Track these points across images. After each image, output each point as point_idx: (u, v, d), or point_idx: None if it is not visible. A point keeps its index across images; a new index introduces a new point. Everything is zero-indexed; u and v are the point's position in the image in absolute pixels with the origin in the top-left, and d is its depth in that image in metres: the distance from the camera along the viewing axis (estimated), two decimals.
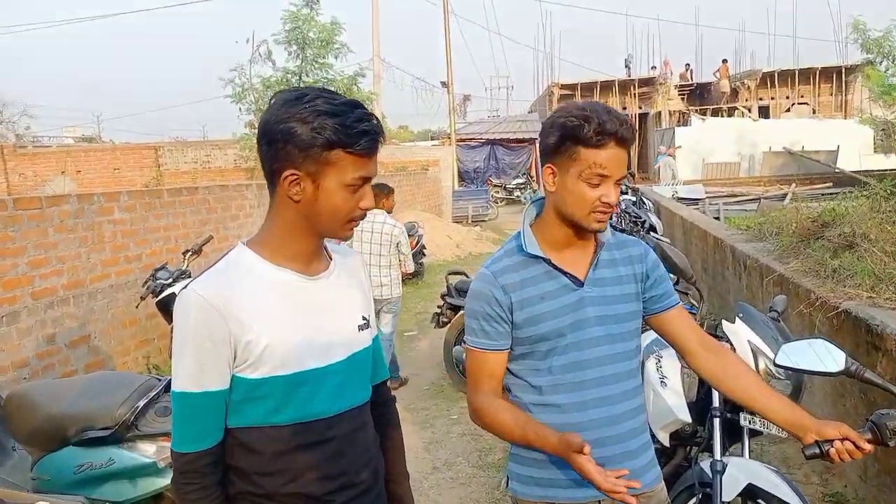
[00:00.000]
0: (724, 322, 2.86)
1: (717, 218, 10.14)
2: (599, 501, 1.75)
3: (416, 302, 8.85)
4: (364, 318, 1.58)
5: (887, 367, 2.96)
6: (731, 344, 2.76)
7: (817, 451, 1.66)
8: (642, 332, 3.30)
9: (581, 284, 1.74)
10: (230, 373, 1.39)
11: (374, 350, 1.63)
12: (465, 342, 1.88)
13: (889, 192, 5.13)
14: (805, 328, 3.90)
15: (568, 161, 1.65)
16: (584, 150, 1.62)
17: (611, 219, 1.86)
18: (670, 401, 2.83)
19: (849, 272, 3.80)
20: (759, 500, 2.56)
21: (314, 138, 1.35)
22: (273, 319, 1.40)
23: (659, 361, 2.96)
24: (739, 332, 2.75)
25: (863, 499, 3.36)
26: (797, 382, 2.72)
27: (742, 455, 2.75)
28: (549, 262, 1.74)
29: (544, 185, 1.74)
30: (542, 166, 1.74)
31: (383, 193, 5.63)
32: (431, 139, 30.78)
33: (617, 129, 1.59)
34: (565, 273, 1.74)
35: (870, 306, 3.34)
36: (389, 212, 5.74)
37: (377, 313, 6.32)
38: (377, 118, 1.44)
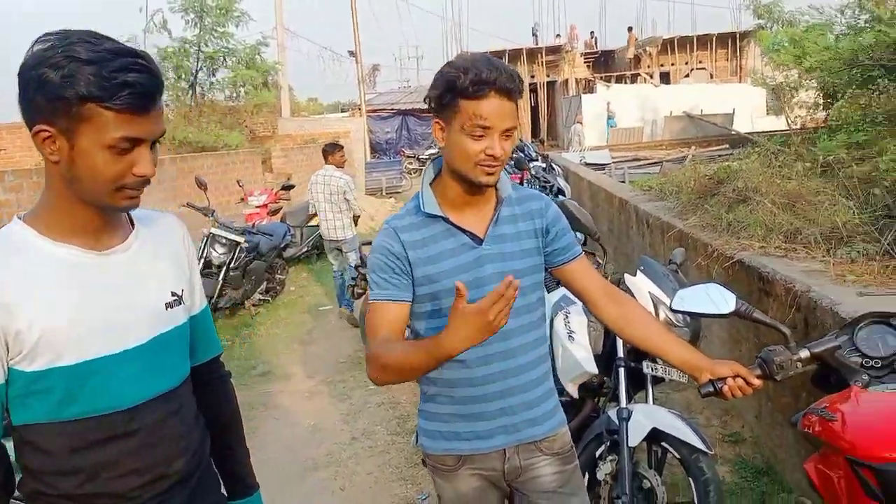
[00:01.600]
0: (626, 275, 2.95)
1: (623, 181, 10.46)
2: (504, 451, 1.79)
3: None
4: (175, 295, 1.40)
5: (777, 311, 3.13)
6: (634, 296, 2.85)
7: (712, 389, 1.73)
8: (552, 290, 3.40)
9: (480, 242, 1.74)
10: (5, 366, 1.23)
11: (196, 326, 1.50)
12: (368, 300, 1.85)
13: (777, 149, 5.41)
14: (704, 279, 4.07)
15: (451, 114, 1.62)
16: (463, 102, 1.59)
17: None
18: (577, 354, 2.90)
19: (742, 224, 3.99)
20: (663, 443, 2.67)
21: (63, 88, 1.14)
22: (49, 304, 1.22)
23: (567, 317, 3.02)
24: (641, 284, 2.84)
25: (757, 436, 3.58)
26: (695, 329, 2.84)
27: (647, 402, 2.86)
28: (447, 220, 1.73)
29: (436, 142, 1.71)
30: (432, 122, 1.72)
31: (332, 151, 6.77)
32: (342, 111, 30.26)
33: (496, 78, 1.56)
34: (465, 231, 1.73)
35: (761, 255, 3.52)
36: (339, 166, 6.82)
37: (339, 252, 6.74)
38: (154, 69, 1.22)
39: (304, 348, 6.19)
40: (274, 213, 8.82)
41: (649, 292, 2.80)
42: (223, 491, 1.60)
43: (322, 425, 4.44)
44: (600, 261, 3.28)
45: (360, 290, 5.75)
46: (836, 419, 1.51)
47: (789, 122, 7.56)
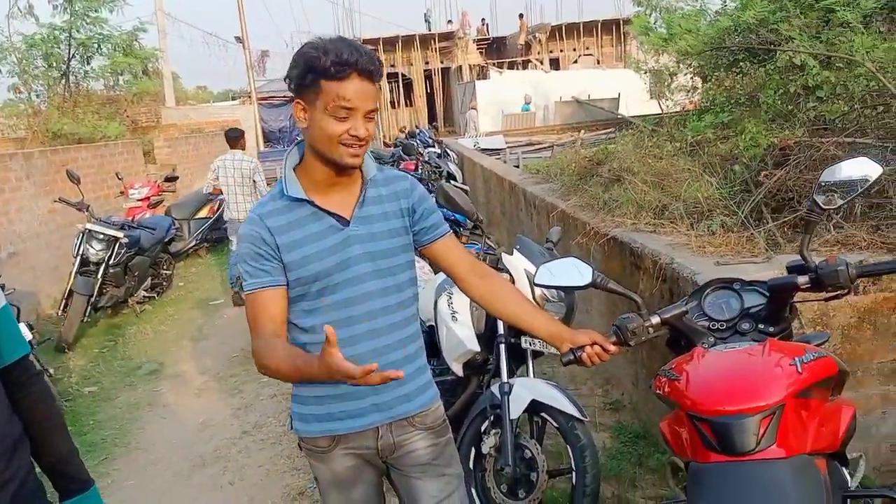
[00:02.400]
0: (503, 254, 3.03)
1: (517, 166, 10.68)
2: (378, 428, 1.81)
3: (223, 269, 8.46)
4: None
5: (647, 283, 3.31)
6: (511, 275, 2.95)
7: (572, 357, 1.82)
8: (436, 273, 3.44)
9: (347, 223, 1.75)
10: None
11: None
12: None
13: (651, 130, 5.68)
14: (583, 256, 4.24)
15: (313, 95, 1.62)
16: (325, 83, 1.60)
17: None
18: (461, 333, 2.97)
19: (617, 203, 4.18)
20: (543, 413, 2.78)
21: None
22: None
23: (450, 298, 3.08)
24: (517, 262, 2.93)
25: (636, 403, 3.79)
26: (570, 304, 2.97)
27: (528, 376, 2.97)
28: (313, 203, 1.72)
29: (298, 123, 1.70)
30: (293, 102, 1.70)
31: (238, 136, 7.03)
32: (233, 99, 29.24)
33: (357, 59, 1.58)
34: (330, 213, 1.74)
35: (632, 231, 3.71)
36: (243, 150, 7.06)
37: None
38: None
39: (193, 344, 5.99)
40: (155, 205, 8.44)
41: (525, 270, 2.90)
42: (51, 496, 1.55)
43: (212, 421, 4.32)
44: (491, 243, 3.35)
45: None
46: (680, 378, 1.62)
47: (662, 106, 7.93)
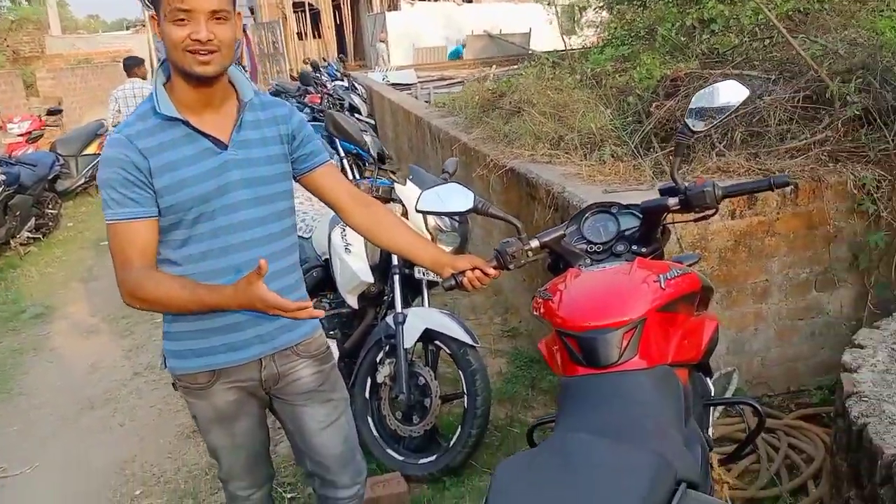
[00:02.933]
0: (395, 185, 2.99)
1: (429, 101, 10.52)
2: (260, 360, 1.77)
3: None
4: None
5: (541, 213, 3.36)
6: (404, 205, 2.91)
7: (453, 282, 1.83)
8: None
9: (225, 147, 1.65)
10: None
11: None
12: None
13: (553, 62, 5.69)
14: (484, 189, 4.26)
15: (158, 3, 1.53)
16: None
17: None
18: (354, 266, 2.93)
19: (516, 134, 4.19)
20: (436, 342, 2.82)
21: None
22: None
23: (343, 230, 3.02)
24: (409, 193, 2.89)
25: (531, 329, 3.89)
26: (463, 233, 2.97)
27: (423, 306, 2.98)
28: (187, 124, 1.61)
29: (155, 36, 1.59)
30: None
31: (137, 65, 6.97)
32: (127, 28, 27.35)
33: None
34: (207, 136, 1.63)
35: (529, 162, 3.73)
36: (143, 78, 6.96)
37: None
38: None
39: (83, 286, 5.70)
40: (36, 139, 7.85)
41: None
42: None
43: (101, 364, 4.15)
44: (394, 177, 3.30)
45: None
46: (553, 298, 1.65)
47: (566, 41, 7.95)
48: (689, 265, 1.79)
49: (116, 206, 1.59)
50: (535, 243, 1.83)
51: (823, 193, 2.92)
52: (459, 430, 2.76)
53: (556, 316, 1.59)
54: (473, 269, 1.81)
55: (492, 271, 1.82)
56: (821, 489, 2.47)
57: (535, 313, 1.76)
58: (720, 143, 3.25)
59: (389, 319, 2.85)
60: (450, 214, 2.00)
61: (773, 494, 2.51)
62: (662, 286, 1.54)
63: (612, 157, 3.44)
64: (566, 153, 3.66)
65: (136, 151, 1.57)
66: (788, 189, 2.88)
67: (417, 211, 1.95)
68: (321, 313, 1.64)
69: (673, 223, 1.94)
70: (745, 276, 2.97)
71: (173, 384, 1.87)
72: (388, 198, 2.97)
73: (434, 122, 6.04)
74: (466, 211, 1.88)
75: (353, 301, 3.04)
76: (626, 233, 1.81)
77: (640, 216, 1.80)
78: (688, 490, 1.09)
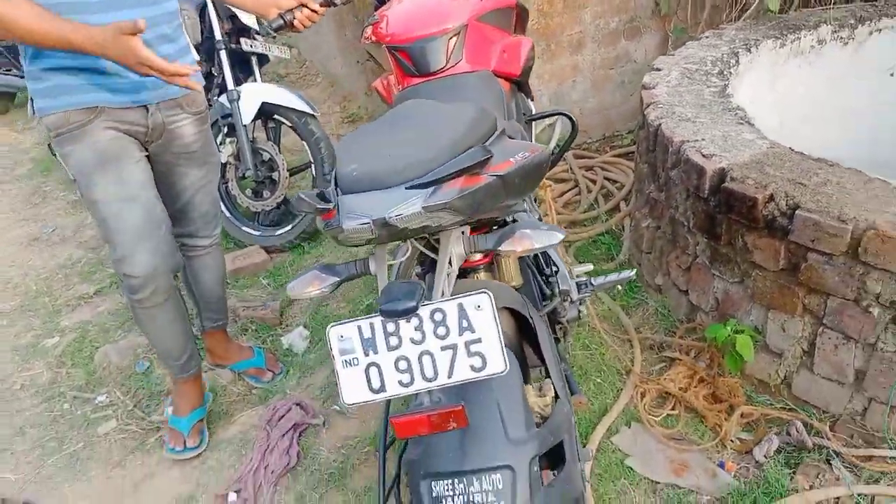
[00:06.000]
0: None
1: None
2: (146, 107, 1.70)
3: None
4: None
5: None
6: None
7: (282, 22, 1.82)
8: None
9: None
10: None
11: None
12: None
13: None
14: None
15: None
16: None
17: None
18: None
19: None
20: (276, 116, 2.82)
21: None
22: None
23: None
24: None
25: (371, 111, 3.96)
26: None
27: (255, 82, 2.94)
28: None
29: None
30: None
31: None
32: None
33: None
34: None
35: None
36: None
37: None
38: None
39: None
40: None
41: None
42: None
43: None
44: None
45: None
46: (381, 21, 1.72)
47: None
48: None
49: None
50: None
51: None
52: None
53: (386, 35, 1.67)
54: (302, 8, 1.81)
55: (320, 9, 1.83)
56: (630, 207, 2.88)
57: (365, 43, 1.83)
58: None
59: (223, 99, 2.80)
60: None
61: (592, 216, 2.90)
62: None
63: None
64: None
65: None
66: None
67: None
68: (199, 87, 1.61)
69: None
70: (561, 28, 3.16)
71: (49, 147, 1.72)
72: None
73: None
74: None
75: None
76: None
77: None
78: (503, 134, 1.25)
